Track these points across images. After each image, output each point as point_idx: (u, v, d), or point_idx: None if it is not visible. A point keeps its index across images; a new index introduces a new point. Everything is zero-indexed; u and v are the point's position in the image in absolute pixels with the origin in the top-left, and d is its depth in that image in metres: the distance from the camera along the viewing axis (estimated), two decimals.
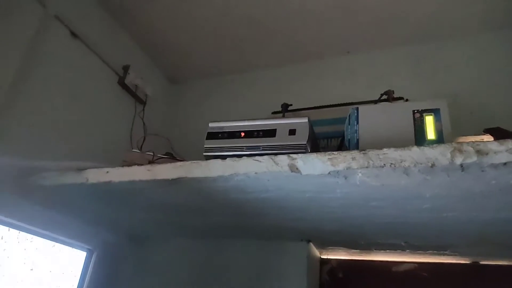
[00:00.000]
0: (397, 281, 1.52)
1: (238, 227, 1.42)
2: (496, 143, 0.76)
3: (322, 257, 1.65)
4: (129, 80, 1.77)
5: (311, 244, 1.51)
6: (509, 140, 0.75)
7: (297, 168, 0.90)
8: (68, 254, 1.50)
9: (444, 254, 1.44)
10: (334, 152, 0.88)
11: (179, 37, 1.85)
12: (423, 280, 1.49)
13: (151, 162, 1.10)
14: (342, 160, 0.86)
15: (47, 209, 1.36)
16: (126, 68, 1.78)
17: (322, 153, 0.89)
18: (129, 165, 1.09)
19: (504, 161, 0.74)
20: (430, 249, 1.40)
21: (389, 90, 1.38)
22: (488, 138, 1.06)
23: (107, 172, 1.11)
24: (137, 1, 1.66)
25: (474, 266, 1.46)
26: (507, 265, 1.42)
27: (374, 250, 1.52)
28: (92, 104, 1.58)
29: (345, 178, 0.90)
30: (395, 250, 1.47)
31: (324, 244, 1.54)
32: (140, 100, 1.84)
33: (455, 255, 1.42)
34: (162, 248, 1.65)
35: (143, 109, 1.82)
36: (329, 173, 0.88)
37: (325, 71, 1.85)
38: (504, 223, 1.06)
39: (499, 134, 1.04)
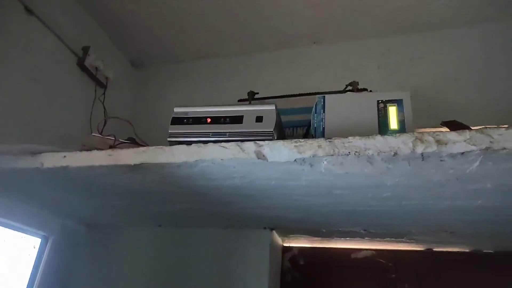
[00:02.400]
0: (356, 268, 1.57)
1: (202, 215, 1.40)
2: (454, 133, 0.79)
3: (285, 245, 1.67)
4: (89, 62, 1.69)
5: (274, 232, 1.52)
6: (466, 130, 0.78)
7: (263, 155, 0.90)
8: (22, 240, 1.43)
9: (400, 242, 1.50)
10: (300, 140, 0.88)
11: (143, 19, 1.79)
12: (380, 267, 1.55)
13: (112, 147, 1.06)
14: (309, 147, 0.87)
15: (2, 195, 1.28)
16: (86, 49, 1.69)
17: (289, 141, 0.89)
18: (89, 149, 1.04)
19: (461, 151, 0.77)
20: (387, 236, 1.46)
21: (354, 81, 1.40)
22: (445, 130, 1.10)
23: (64, 156, 1.05)
24: None
25: (428, 252, 1.53)
26: (458, 251, 1.50)
27: (335, 238, 1.56)
28: (49, 86, 1.50)
29: (311, 166, 0.90)
30: (355, 237, 1.51)
31: (287, 232, 1.56)
32: (100, 84, 1.76)
33: (411, 242, 1.49)
34: (123, 237, 1.61)
35: (104, 93, 1.75)
36: (295, 160, 0.88)
37: (292, 61, 1.85)
38: (458, 212, 1.12)
39: (454, 126, 1.08)
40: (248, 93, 1.51)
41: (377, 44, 1.75)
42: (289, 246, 1.66)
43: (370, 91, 1.35)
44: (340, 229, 1.42)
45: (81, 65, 1.66)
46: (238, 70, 1.93)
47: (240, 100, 1.53)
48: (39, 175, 1.09)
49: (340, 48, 1.81)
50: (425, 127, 1.16)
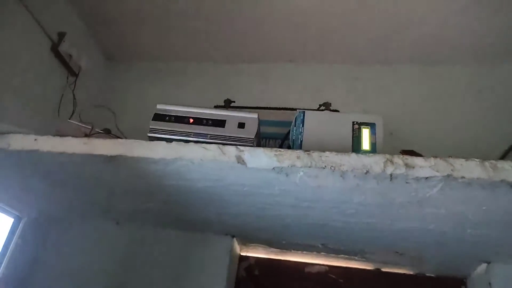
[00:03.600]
0: (309, 281, 1.62)
1: (166, 215, 1.40)
2: (421, 159, 0.87)
3: (242, 254, 1.69)
4: (64, 48, 1.64)
5: (235, 239, 1.54)
6: (432, 157, 0.86)
7: (243, 160, 0.93)
8: None
9: (353, 259, 1.58)
10: (280, 149, 0.93)
11: (123, 14, 1.76)
12: (332, 282, 1.61)
13: (87, 135, 1.04)
14: (288, 157, 0.91)
15: None
16: (61, 35, 1.64)
17: (269, 149, 0.93)
18: (62, 135, 1.01)
19: (426, 175, 0.85)
20: (342, 253, 1.52)
21: (327, 102, 1.47)
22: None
23: (35, 140, 1.02)
24: None
25: (377, 272, 1.61)
26: (404, 273, 1.60)
27: (292, 251, 1.60)
28: (20, 66, 1.43)
29: (287, 176, 0.95)
30: (311, 252, 1.56)
31: (246, 241, 1.58)
32: (72, 72, 1.71)
33: (363, 260, 1.56)
34: (87, 228, 1.55)
35: (75, 82, 1.70)
36: (273, 168, 0.92)
37: (268, 75, 1.91)
38: (411, 233, 1.20)
39: (412, 156, 1.19)
40: (225, 101, 1.54)
41: (349, 70, 1.85)
42: (246, 256, 1.68)
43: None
44: (299, 242, 1.47)
45: (55, 50, 1.61)
46: (213, 77, 1.95)
47: (216, 106, 1.55)
48: (4, 156, 1.04)
49: (314, 69, 1.89)
50: (385, 154, 1.25)
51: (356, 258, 1.56)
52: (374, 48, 1.77)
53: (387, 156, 0.88)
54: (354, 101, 1.76)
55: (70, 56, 1.69)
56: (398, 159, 0.87)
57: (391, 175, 0.87)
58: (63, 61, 1.65)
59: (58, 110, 1.55)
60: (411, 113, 1.69)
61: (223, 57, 1.93)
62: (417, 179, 0.86)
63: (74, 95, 1.65)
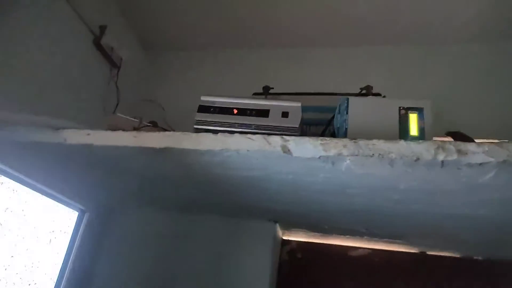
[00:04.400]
0: (351, 265, 1.63)
1: (212, 203, 1.43)
2: (474, 144, 0.84)
3: (284, 238, 1.72)
4: (105, 41, 1.69)
5: (277, 225, 1.56)
6: (486, 143, 0.83)
7: (289, 150, 0.93)
8: (59, 212, 1.44)
9: (396, 243, 1.57)
10: (326, 138, 0.92)
11: (161, 4, 1.79)
12: (374, 266, 1.61)
13: (136, 128, 1.08)
14: (334, 146, 0.90)
15: (41, 160, 1.26)
16: (103, 28, 1.69)
17: (315, 138, 0.92)
18: (113, 129, 1.06)
19: (480, 161, 0.82)
20: (385, 237, 1.52)
21: (368, 85, 1.44)
22: (449, 140, 1.16)
23: (88, 134, 1.07)
24: None
25: (422, 255, 1.60)
26: (449, 256, 1.57)
27: (334, 235, 1.61)
28: (65, 60, 1.49)
29: (333, 164, 0.94)
30: (354, 235, 1.57)
31: (289, 226, 1.60)
32: (114, 64, 1.76)
33: (407, 244, 1.55)
34: (139, 217, 1.63)
35: (117, 74, 1.75)
36: (319, 157, 0.91)
37: (307, 61, 1.89)
38: (459, 219, 1.18)
39: (458, 137, 1.15)
40: (264, 88, 1.54)
41: (388, 52, 1.80)
42: (288, 240, 1.71)
43: (384, 96, 1.40)
44: (341, 226, 1.47)
45: (97, 43, 1.66)
46: (251, 63, 1.95)
47: (254, 94, 1.55)
48: (61, 150, 1.10)
49: (353, 52, 1.85)
50: (435, 139, 1.22)
51: (400, 241, 1.55)
52: (418, 29, 1.71)
53: (439, 142, 0.86)
54: (395, 83, 1.72)
55: (112, 48, 1.74)
56: (450, 145, 0.84)
57: (442, 162, 0.84)
58: (105, 54, 1.71)
59: (103, 102, 1.61)
60: (456, 93, 1.63)
61: (261, 44, 1.93)
62: (470, 165, 0.84)
63: (117, 87, 1.70)
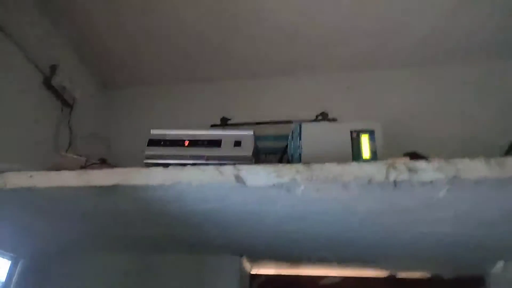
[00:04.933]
0: None
1: (172, 240, 1.37)
2: (424, 162, 0.84)
3: (252, 272, 1.65)
4: (56, 81, 1.64)
5: (244, 258, 1.51)
6: (435, 160, 0.84)
7: (242, 179, 0.91)
8: None
9: (367, 267, 1.54)
10: (279, 164, 0.90)
11: (114, 41, 1.77)
12: None
13: (83, 167, 1.02)
14: (287, 172, 0.89)
15: None
16: (53, 68, 1.64)
17: (268, 165, 0.90)
18: (57, 169, 1.00)
19: (431, 179, 0.82)
20: (355, 262, 1.49)
21: (324, 112, 1.47)
22: (406, 160, 1.18)
23: (31, 176, 1.00)
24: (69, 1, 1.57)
25: (392, 279, 1.57)
26: (419, 278, 1.56)
27: (304, 264, 1.57)
28: (12, 102, 1.43)
29: (288, 191, 0.92)
30: (323, 263, 1.53)
31: (256, 258, 1.55)
32: (67, 104, 1.70)
33: (376, 267, 1.53)
34: (90, 261, 1.53)
35: (70, 113, 1.69)
36: (273, 184, 0.89)
37: (263, 90, 1.89)
38: (422, 237, 1.17)
39: (415, 158, 1.16)
40: (221, 119, 1.54)
41: (344, 78, 1.83)
42: (257, 274, 1.64)
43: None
44: (309, 254, 1.43)
45: (47, 84, 1.60)
46: (208, 96, 1.93)
47: (212, 126, 1.54)
48: (2, 195, 1.02)
49: (308, 79, 1.88)
50: (388, 158, 1.22)
51: (370, 265, 1.53)
52: (368, 55, 1.76)
53: (389, 162, 0.86)
54: (352, 109, 1.73)
55: (64, 88, 1.68)
56: (401, 165, 0.84)
57: (394, 181, 0.84)
58: (57, 93, 1.65)
59: (55, 143, 1.54)
60: (412, 116, 1.66)
61: (217, 76, 1.92)
62: (422, 183, 0.84)
63: (70, 127, 1.64)
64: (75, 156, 1.07)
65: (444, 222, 1.05)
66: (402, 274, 1.57)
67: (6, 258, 1.39)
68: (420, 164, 0.84)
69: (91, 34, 1.73)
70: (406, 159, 1.15)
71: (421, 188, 0.86)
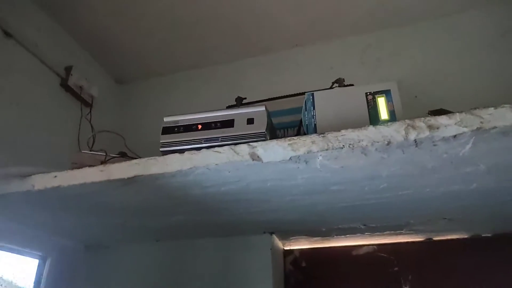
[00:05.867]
0: (358, 264, 1.56)
1: (199, 225, 1.39)
2: (445, 117, 0.79)
3: (285, 248, 1.66)
4: (73, 81, 1.67)
5: (274, 236, 1.51)
6: (456, 113, 0.79)
7: (258, 156, 0.90)
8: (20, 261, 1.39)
9: (400, 234, 1.51)
10: (293, 137, 0.88)
11: (122, 35, 1.78)
12: (382, 261, 1.54)
13: (103, 162, 1.04)
14: (302, 144, 0.87)
15: None
16: (68, 69, 1.67)
17: (282, 139, 0.89)
18: (79, 167, 1.02)
19: (453, 133, 0.77)
20: (387, 229, 1.46)
21: (340, 78, 1.41)
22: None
23: (55, 176, 1.03)
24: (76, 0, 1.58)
25: (428, 242, 1.53)
26: (457, 238, 1.51)
27: (335, 236, 1.55)
28: (34, 108, 1.48)
29: (306, 163, 0.90)
30: (355, 234, 1.51)
31: (287, 235, 1.54)
32: (85, 102, 1.74)
33: (411, 233, 1.49)
34: (121, 254, 1.58)
35: (90, 111, 1.73)
36: (290, 158, 0.87)
37: (275, 65, 1.86)
38: (454, 197, 1.12)
39: (442, 115, 1.11)
40: (236, 99, 1.51)
41: (357, 41, 1.77)
42: (290, 249, 1.65)
43: None
44: (339, 226, 1.41)
45: (64, 85, 1.64)
46: (222, 78, 1.93)
47: (228, 107, 1.52)
48: (31, 197, 1.06)
49: (322, 48, 1.83)
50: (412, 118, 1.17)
51: (403, 232, 1.49)
52: (380, 12, 1.68)
53: (407, 121, 0.81)
54: (370, 72, 1.68)
55: (81, 87, 1.72)
56: (420, 122, 0.80)
57: (415, 141, 0.80)
58: (75, 93, 1.69)
59: (78, 142, 1.58)
60: (434, 72, 1.59)
61: (228, 57, 1.91)
62: (445, 139, 0.79)
63: (91, 125, 1.68)
64: (93, 153, 1.09)
65: (475, 178, 1.00)
66: (438, 237, 1.52)
67: (34, 257, 1.45)
68: (441, 119, 0.80)
69: (100, 30, 1.75)
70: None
71: (445, 145, 0.82)
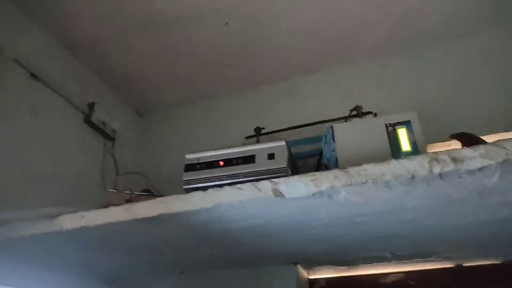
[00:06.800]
0: None
1: (222, 257, 1.38)
2: (469, 149, 0.78)
3: (310, 277, 1.63)
4: (96, 117, 1.73)
5: (299, 266, 1.49)
6: (480, 145, 0.78)
7: (280, 192, 0.90)
8: None
9: (429, 261, 1.46)
10: (315, 173, 0.88)
11: (142, 69, 1.84)
12: None
13: (129, 201, 1.06)
14: (325, 180, 0.86)
15: (22, 264, 1.27)
16: (91, 106, 1.73)
17: (304, 175, 0.89)
18: (105, 206, 1.04)
19: (478, 166, 0.76)
20: (415, 257, 1.42)
21: (358, 105, 1.42)
22: (455, 143, 1.10)
23: (82, 216, 1.05)
24: (97, 38, 1.64)
25: (458, 269, 1.48)
26: (489, 264, 1.46)
27: (361, 265, 1.52)
28: (58, 146, 1.53)
29: (329, 198, 0.90)
30: (382, 262, 1.47)
31: (311, 265, 1.52)
32: (108, 137, 1.79)
33: (440, 260, 1.44)
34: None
35: (113, 145, 1.77)
36: (313, 194, 0.87)
37: (293, 92, 1.88)
38: (483, 225, 1.09)
39: (464, 138, 1.09)
40: (255, 129, 1.53)
41: (373, 66, 1.77)
42: (315, 279, 1.62)
43: (375, 113, 1.36)
44: (365, 255, 1.38)
45: (88, 121, 1.69)
46: (240, 107, 1.95)
47: (247, 137, 1.54)
48: (59, 237, 1.08)
49: (338, 73, 1.84)
50: (433, 142, 1.16)
51: (431, 259, 1.44)
52: (396, 35, 1.69)
53: (431, 154, 0.80)
54: (386, 96, 1.67)
55: (103, 122, 1.77)
56: (444, 155, 0.79)
57: (440, 174, 0.79)
58: (98, 128, 1.74)
59: (102, 177, 1.61)
60: (452, 94, 1.57)
61: (246, 86, 1.94)
62: (470, 172, 0.78)
63: (114, 159, 1.72)
64: (119, 191, 1.11)
65: (505, 206, 0.97)
66: (469, 263, 1.47)
67: None
68: (465, 151, 0.78)
69: (121, 66, 1.81)
70: (454, 143, 1.09)
71: (470, 177, 0.80)
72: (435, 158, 0.79)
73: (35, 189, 1.34)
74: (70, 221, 1.06)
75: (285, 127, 1.61)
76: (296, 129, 1.55)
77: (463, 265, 1.48)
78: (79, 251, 1.23)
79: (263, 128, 1.52)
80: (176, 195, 0.99)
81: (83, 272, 1.46)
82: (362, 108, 1.37)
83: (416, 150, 0.93)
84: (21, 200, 1.26)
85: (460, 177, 0.80)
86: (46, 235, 1.09)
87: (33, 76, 1.48)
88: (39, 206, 1.17)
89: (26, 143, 1.38)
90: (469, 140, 1.05)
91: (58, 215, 1.08)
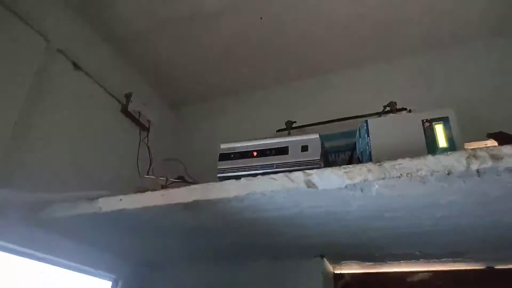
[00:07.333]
0: None
1: (252, 247, 1.41)
2: (509, 147, 0.77)
3: (336, 272, 1.63)
4: (132, 107, 1.78)
5: (325, 259, 1.50)
6: None
7: (313, 184, 0.91)
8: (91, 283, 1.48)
9: (458, 261, 1.44)
10: (349, 166, 0.89)
11: (178, 63, 1.89)
12: None
13: (164, 187, 1.10)
14: (358, 173, 0.87)
15: (66, 238, 1.33)
16: (128, 96, 1.79)
17: (337, 167, 0.90)
18: (142, 191, 1.09)
19: None
20: (444, 256, 1.40)
21: (392, 101, 1.40)
22: (491, 142, 1.08)
23: (120, 199, 1.10)
24: (137, 32, 1.70)
25: (489, 271, 1.45)
26: None
27: (388, 262, 1.51)
28: (98, 133, 1.59)
29: (362, 191, 0.90)
30: (409, 260, 1.46)
31: (338, 259, 1.53)
32: (143, 127, 1.85)
33: (470, 261, 1.42)
34: (177, 274, 1.63)
35: (147, 135, 1.83)
36: (345, 186, 0.88)
37: (325, 87, 1.88)
38: None
39: (502, 138, 1.07)
40: (286, 123, 1.55)
41: (409, 63, 1.75)
42: (341, 273, 1.62)
43: (409, 110, 1.35)
44: (393, 252, 1.38)
45: (124, 111, 1.75)
46: (272, 101, 1.97)
47: (278, 130, 1.56)
48: (97, 219, 1.14)
49: (372, 69, 1.82)
50: (470, 141, 1.14)
51: (461, 259, 1.42)
52: (434, 33, 1.66)
53: (469, 151, 0.80)
54: (421, 94, 1.65)
55: (139, 113, 1.83)
56: (482, 152, 0.78)
57: (477, 171, 0.78)
58: (134, 118, 1.80)
59: (137, 165, 1.67)
60: (487, 92, 1.53)
61: (278, 80, 1.95)
62: (509, 170, 0.77)
63: (149, 148, 1.77)
64: (156, 177, 1.15)
65: None
66: (501, 266, 1.44)
67: (107, 279, 1.53)
68: (505, 149, 0.77)
69: (156, 57, 1.86)
70: (491, 142, 1.07)
71: (509, 175, 0.79)
72: (473, 154, 0.79)
73: (76, 173, 1.41)
74: (108, 204, 1.11)
75: (316, 121, 1.61)
76: (327, 124, 1.56)
77: (495, 267, 1.45)
78: (116, 232, 1.28)
79: (294, 121, 1.53)
80: (210, 183, 1.02)
81: (126, 252, 1.52)
82: (396, 104, 1.36)
83: (453, 147, 0.92)
84: (63, 183, 1.33)
85: (498, 175, 0.79)
86: (85, 216, 1.14)
87: (76, 66, 1.54)
88: (79, 189, 1.24)
89: (69, 130, 1.44)
90: (507, 139, 1.03)
91: (97, 198, 1.14)
